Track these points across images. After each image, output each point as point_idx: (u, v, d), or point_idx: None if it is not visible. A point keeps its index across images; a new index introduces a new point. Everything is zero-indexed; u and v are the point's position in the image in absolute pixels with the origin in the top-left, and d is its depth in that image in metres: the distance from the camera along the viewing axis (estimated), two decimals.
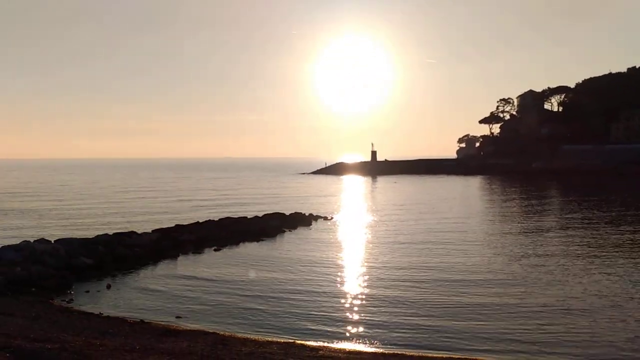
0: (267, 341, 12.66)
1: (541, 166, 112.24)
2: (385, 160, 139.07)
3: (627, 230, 31.03)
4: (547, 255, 23.57)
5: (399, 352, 12.13)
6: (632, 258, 22.74)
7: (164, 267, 22.53)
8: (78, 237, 24.63)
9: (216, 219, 34.10)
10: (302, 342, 12.78)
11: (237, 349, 11.12)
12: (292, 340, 12.83)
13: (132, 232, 26.69)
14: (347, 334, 13.60)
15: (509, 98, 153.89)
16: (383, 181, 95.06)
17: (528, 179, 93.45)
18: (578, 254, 23.75)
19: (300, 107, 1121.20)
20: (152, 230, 28.70)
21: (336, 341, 13.13)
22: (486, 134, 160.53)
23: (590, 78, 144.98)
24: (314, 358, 11.07)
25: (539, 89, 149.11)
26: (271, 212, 38.06)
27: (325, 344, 12.76)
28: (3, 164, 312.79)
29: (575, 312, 14.96)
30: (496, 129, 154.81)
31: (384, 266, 21.41)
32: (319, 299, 16.80)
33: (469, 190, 71.89)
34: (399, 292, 17.34)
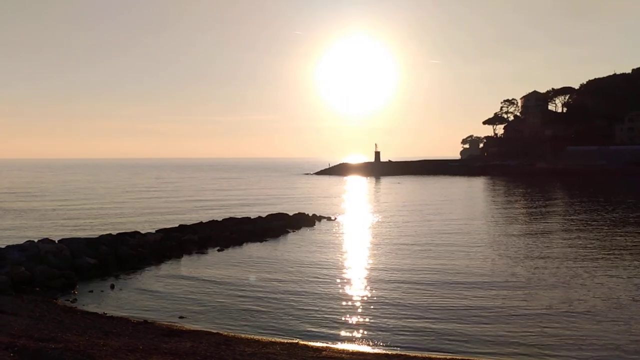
0: (271, 342, 12.67)
1: (545, 167, 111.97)
2: (389, 161, 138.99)
3: (631, 232, 30.92)
4: (551, 257, 23.47)
5: (402, 354, 12.11)
6: (636, 260, 22.62)
7: (167, 268, 22.56)
8: (82, 237, 24.66)
9: (220, 219, 34.14)
10: (305, 342, 12.78)
11: (241, 349, 11.13)
12: (295, 341, 12.84)
13: (136, 232, 26.73)
14: (350, 336, 13.59)
15: (512, 99, 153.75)
16: (386, 182, 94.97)
17: (532, 180, 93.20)
18: (582, 256, 23.67)
19: (305, 107, 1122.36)
20: (156, 231, 28.75)
21: (339, 342, 13.13)
22: (490, 134, 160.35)
23: (595, 79, 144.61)
24: (316, 359, 11.08)
25: (543, 90, 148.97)
26: (275, 212, 38.06)
27: (328, 345, 12.76)
28: (7, 163, 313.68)
29: (579, 314, 14.89)
30: (500, 129, 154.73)
31: (388, 268, 21.36)
32: (321, 300, 16.77)
33: (472, 191, 71.76)
34: (402, 294, 17.29)
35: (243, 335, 13.34)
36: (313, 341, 13.01)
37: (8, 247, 21.33)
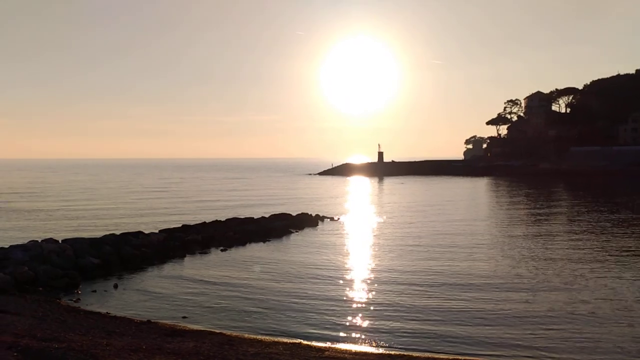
0: (274, 342, 12.66)
1: (548, 167, 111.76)
2: (392, 161, 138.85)
3: (635, 233, 30.83)
4: (554, 258, 23.35)
5: (405, 354, 12.09)
6: None
7: (170, 267, 22.59)
8: (85, 237, 24.70)
9: (223, 219, 34.16)
10: (308, 343, 12.78)
11: (244, 349, 11.13)
12: (298, 341, 12.83)
13: (139, 232, 26.76)
14: (352, 337, 13.55)
15: (516, 99, 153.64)
16: (390, 182, 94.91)
17: (535, 180, 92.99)
18: (585, 257, 23.55)
19: (308, 107, 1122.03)
20: (159, 231, 28.78)
21: (342, 342, 13.11)
22: (493, 135, 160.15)
23: (598, 79, 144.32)
24: (319, 359, 11.07)
25: (546, 90, 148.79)
26: (278, 212, 38.07)
27: (331, 345, 12.76)
28: (10, 163, 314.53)
29: (582, 316, 14.80)
30: (503, 130, 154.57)
31: (390, 269, 21.25)
32: (324, 302, 16.70)
33: (475, 192, 71.67)
34: (405, 296, 17.18)
35: (246, 336, 13.34)
36: (316, 341, 13.00)
37: (11, 246, 21.37)
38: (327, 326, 14.37)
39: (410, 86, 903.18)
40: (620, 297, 16.77)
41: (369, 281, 19.43)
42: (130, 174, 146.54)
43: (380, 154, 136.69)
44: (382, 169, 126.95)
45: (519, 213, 44.09)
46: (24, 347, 9.23)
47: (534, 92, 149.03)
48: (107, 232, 26.83)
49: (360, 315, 15.37)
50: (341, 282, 19.41)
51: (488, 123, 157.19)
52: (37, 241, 22.21)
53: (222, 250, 26.34)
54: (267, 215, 36.43)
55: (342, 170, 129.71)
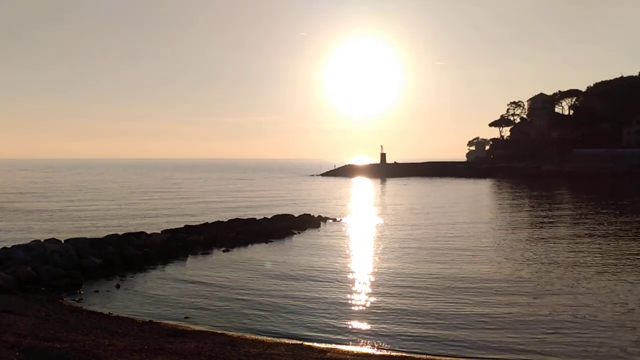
0: (275, 342, 12.66)
1: (551, 169, 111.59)
2: (395, 162, 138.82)
3: (639, 236, 30.74)
4: (557, 262, 23.18)
5: (407, 355, 12.08)
6: None
7: (173, 268, 22.60)
8: (88, 237, 24.74)
9: (225, 220, 34.19)
10: (310, 344, 12.77)
11: (246, 350, 11.13)
12: (299, 342, 12.83)
13: (142, 233, 26.78)
14: (354, 339, 13.50)
15: (519, 101, 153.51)
16: (392, 184, 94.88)
17: (538, 182, 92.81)
18: (589, 261, 23.41)
19: (311, 109, 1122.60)
20: (162, 231, 28.83)
21: (344, 344, 13.10)
22: (496, 137, 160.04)
23: (602, 81, 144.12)
24: None
25: (549, 92, 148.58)
26: (280, 213, 38.07)
27: (333, 346, 12.75)
28: (14, 163, 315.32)
29: (584, 320, 14.69)
30: (506, 132, 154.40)
31: (392, 272, 21.09)
32: (325, 305, 16.57)
33: (478, 194, 71.55)
34: (407, 299, 17.02)
35: (248, 336, 13.34)
36: (317, 343, 12.99)
37: (14, 246, 21.42)
38: (328, 328, 14.31)
39: (412, 88, 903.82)
40: (623, 301, 16.69)
41: (370, 284, 19.36)
42: (133, 174, 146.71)
43: (383, 156, 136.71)
44: (384, 170, 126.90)
45: (522, 216, 44.00)
46: (27, 346, 9.25)
47: (537, 93, 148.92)
48: (110, 232, 26.86)
49: (361, 318, 15.27)
50: (343, 284, 19.33)
51: (491, 125, 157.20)
52: (39, 241, 22.25)
53: (224, 251, 26.35)
54: (269, 216, 36.43)
55: (344, 172, 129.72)
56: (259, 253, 26.20)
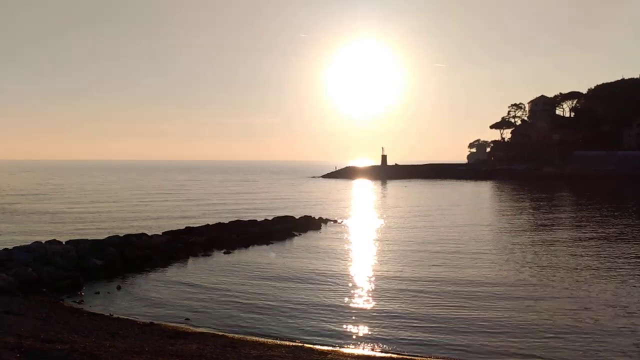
0: (276, 344, 12.66)
1: (552, 172, 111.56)
2: (396, 164, 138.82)
3: None
4: (558, 265, 23.04)
5: (408, 357, 12.08)
6: None
7: (173, 269, 22.61)
8: (89, 238, 24.76)
9: (226, 221, 34.20)
10: (311, 346, 12.78)
11: (246, 352, 11.13)
12: (300, 344, 12.83)
13: (143, 234, 26.81)
14: (354, 343, 13.47)
15: (520, 103, 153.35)
16: (393, 185, 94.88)
17: (539, 184, 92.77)
18: (589, 264, 23.34)
19: (311, 110, 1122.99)
20: (163, 232, 28.85)
21: (344, 346, 13.09)
22: (497, 139, 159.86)
23: (603, 84, 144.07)
24: None
25: (550, 95, 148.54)
26: (281, 215, 38.08)
27: (334, 349, 12.74)
28: (17, 164, 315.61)
29: (585, 324, 14.62)
30: (507, 134, 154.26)
31: (393, 276, 20.92)
32: (326, 308, 16.44)
33: (479, 196, 71.54)
34: (407, 304, 16.84)
35: (249, 338, 13.35)
36: (318, 345, 12.98)
37: (15, 248, 21.42)
38: (328, 332, 14.23)
39: (413, 89, 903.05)
40: (624, 304, 16.65)
41: (371, 287, 19.28)
42: (134, 175, 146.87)
43: (384, 157, 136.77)
44: (385, 172, 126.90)
45: (523, 218, 43.91)
46: (27, 348, 9.26)
47: (538, 96, 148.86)
48: (111, 234, 26.89)
49: (361, 322, 15.15)
50: (343, 287, 19.26)
51: (492, 127, 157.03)
52: (41, 242, 22.25)
53: (225, 253, 26.36)
54: (270, 218, 36.43)
55: (345, 173, 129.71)
56: (260, 255, 26.20)
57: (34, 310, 14.29)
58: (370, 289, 18.89)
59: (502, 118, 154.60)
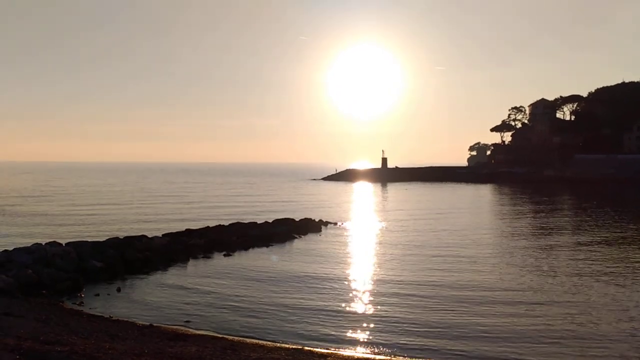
0: (276, 347, 12.66)
1: (552, 175, 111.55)
2: (396, 167, 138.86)
3: None
4: (558, 270, 22.91)
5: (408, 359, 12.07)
6: None
7: (173, 271, 22.62)
8: (89, 240, 24.76)
9: (226, 223, 34.19)
10: (310, 348, 12.77)
11: (246, 354, 11.13)
12: (300, 347, 12.82)
13: (143, 236, 26.80)
14: (353, 347, 13.43)
15: (520, 106, 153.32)
16: (393, 188, 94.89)
17: (539, 187, 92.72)
18: (589, 268, 23.24)
19: (311, 112, 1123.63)
20: (163, 235, 28.83)
21: (344, 348, 13.07)
22: (497, 142, 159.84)
23: (603, 87, 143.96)
24: None
25: (551, 98, 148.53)
26: (281, 217, 38.07)
27: (333, 351, 12.73)
28: (18, 166, 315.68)
29: (585, 330, 14.54)
30: (508, 137, 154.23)
31: (392, 280, 20.76)
32: (325, 313, 16.30)
33: (480, 199, 71.53)
34: (406, 309, 16.68)
35: (248, 341, 13.35)
36: (318, 347, 12.97)
37: (16, 249, 21.43)
38: (327, 336, 14.15)
39: (413, 92, 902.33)
40: (624, 308, 16.62)
41: (370, 291, 19.16)
42: (135, 177, 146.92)
43: (384, 160, 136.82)
44: (385, 175, 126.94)
45: (523, 222, 43.83)
46: (27, 349, 9.26)
47: (538, 99, 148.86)
48: (111, 236, 26.87)
49: (360, 327, 15.03)
50: (343, 291, 19.17)
51: (492, 130, 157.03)
52: (41, 244, 22.27)
53: (225, 255, 26.36)
54: (270, 220, 36.42)
55: (346, 176, 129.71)
56: (260, 257, 26.19)
57: (33, 312, 14.29)
58: (370, 293, 18.83)
59: (503, 121, 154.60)
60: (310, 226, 36.42)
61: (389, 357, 12.47)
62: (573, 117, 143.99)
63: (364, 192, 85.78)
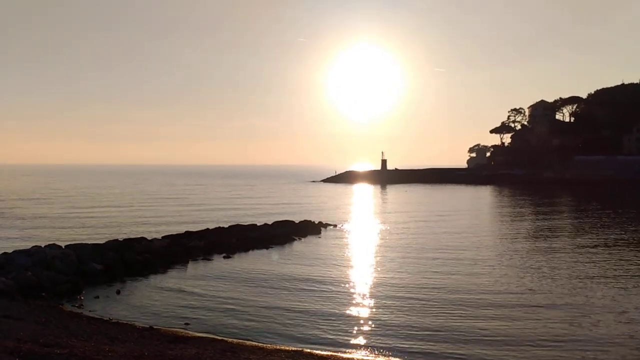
0: (275, 349, 12.65)
1: (552, 176, 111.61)
2: (396, 169, 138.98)
3: None
4: (558, 272, 22.79)
5: None
6: None
7: (173, 274, 22.60)
8: (88, 242, 24.75)
9: (226, 225, 34.20)
10: (310, 351, 12.75)
11: (245, 356, 11.13)
12: (299, 349, 12.81)
13: (142, 238, 26.79)
14: (352, 351, 13.38)
15: (520, 108, 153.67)
16: (393, 190, 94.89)
17: (539, 189, 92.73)
18: (589, 271, 23.19)
19: (311, 114, 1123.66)
20: (162, 237, 28.83)
21: (344, 351, 13.06)
22: (497, 143, 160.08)
23: (603, 89, 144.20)
24: None
25: (550, 99, 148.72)
26: (281, 219, 38.07)
27: (333, 353, 12.72)
28: (17, 169, 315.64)
29: (585, 333, 14.48)
30: (507, 138, 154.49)
31: (391, 283, 20.61)
32: (323, 317, 16.16)
33: (479, 201, 71.54)
34: (405, 313, 16.55)
35: (248, 343, 13.33)
36: (318, 350, 12.95)
37: (15, 252, 21.41)
38: (326, 341, 14.07)
39: (413, 93, 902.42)
40: (624, 310, 16.59)
41: (369, 294, 19.06)
42: (135, 179, 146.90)
43: (384, 162, 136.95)
44: (385, 177, 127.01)
45: (523, 224, 43.80)
46: (27, 352, 9.25)
47: (538, 100, 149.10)
48: (111, 238, 26.86)
49: (359, 331, 14.94)
50: (342, 294, 19.10)
51: (492, 131, 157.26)
52: (40, 246, 22.26)
53: (224, 257, 26.35)
54: (270, 222, 36.42)
55: (345, 178, 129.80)
56: (260, 260, 26.17)
57: (33, 315, 14.28)
58: (369, 296, 18.77)
59: (502, 123, 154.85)
60: (310, 228, 36.42)
61: (389, 359, 12.46)
62: (572, 119, 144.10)
63: (364, 194, 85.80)
